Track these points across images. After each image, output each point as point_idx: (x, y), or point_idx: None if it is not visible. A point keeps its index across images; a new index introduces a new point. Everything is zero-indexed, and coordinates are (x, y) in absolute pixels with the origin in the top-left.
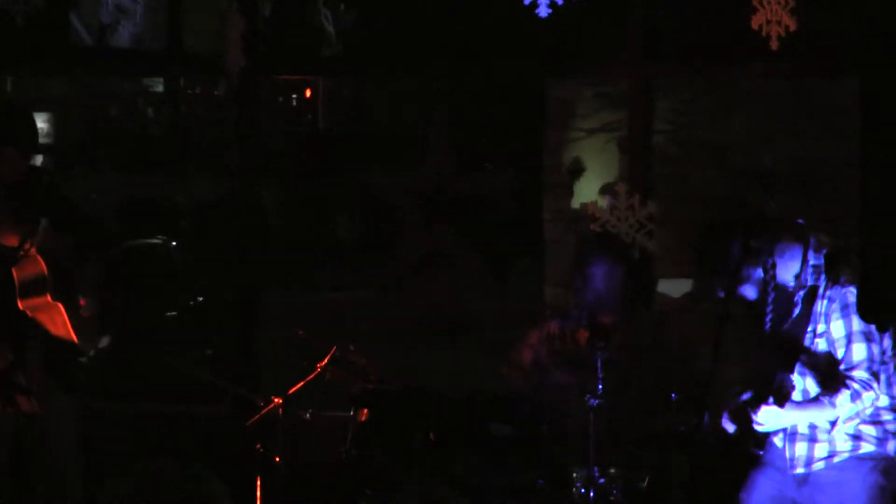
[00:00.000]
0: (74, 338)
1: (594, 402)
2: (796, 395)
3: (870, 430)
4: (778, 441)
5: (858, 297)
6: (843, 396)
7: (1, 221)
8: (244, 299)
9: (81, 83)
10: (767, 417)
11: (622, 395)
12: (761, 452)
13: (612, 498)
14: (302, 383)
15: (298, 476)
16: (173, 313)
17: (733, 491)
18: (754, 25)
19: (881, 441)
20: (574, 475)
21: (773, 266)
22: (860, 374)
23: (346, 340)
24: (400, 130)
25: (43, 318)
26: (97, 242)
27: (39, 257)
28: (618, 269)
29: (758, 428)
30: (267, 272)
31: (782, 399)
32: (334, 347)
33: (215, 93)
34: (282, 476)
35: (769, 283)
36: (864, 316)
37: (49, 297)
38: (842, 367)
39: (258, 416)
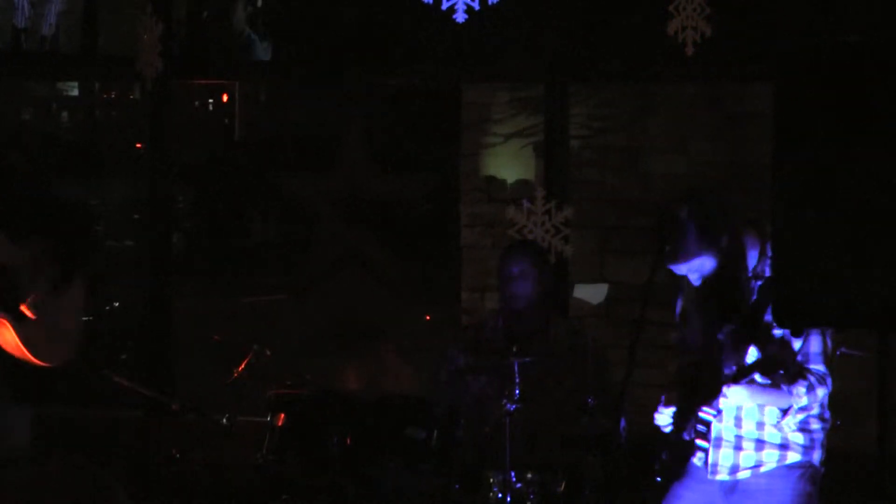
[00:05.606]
0: (27, 353)
1: (511, 406)
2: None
3: (797, 439)
4: (698, 461)
5: (772, 302)
6: (801, 388)
7: None
8: (159, 303)
9: None
10: (734, 394)
11: (539, 400)
12: (705, 445)
13: (528, 502)
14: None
15: (215, 481)
16: (88, 318)
17: (648, 496)
18: (670, 31)
19: (807, 450)
20: (490, 480)
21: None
22: (817, 366)
23: (263, 345)
24: (316, 134)
25: None
26: (79, 254)
27: None
28: (535, 275)
29: (722, 403)
30: (182, 276)
31: (772, 369)
32: (251, 352)
33: (131, 97)
34: (198, 481)
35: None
36: (778, 322)
37: None
38: (798, 357)
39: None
